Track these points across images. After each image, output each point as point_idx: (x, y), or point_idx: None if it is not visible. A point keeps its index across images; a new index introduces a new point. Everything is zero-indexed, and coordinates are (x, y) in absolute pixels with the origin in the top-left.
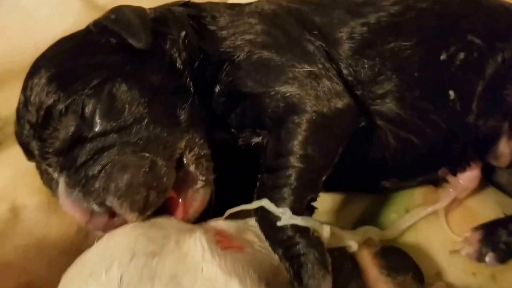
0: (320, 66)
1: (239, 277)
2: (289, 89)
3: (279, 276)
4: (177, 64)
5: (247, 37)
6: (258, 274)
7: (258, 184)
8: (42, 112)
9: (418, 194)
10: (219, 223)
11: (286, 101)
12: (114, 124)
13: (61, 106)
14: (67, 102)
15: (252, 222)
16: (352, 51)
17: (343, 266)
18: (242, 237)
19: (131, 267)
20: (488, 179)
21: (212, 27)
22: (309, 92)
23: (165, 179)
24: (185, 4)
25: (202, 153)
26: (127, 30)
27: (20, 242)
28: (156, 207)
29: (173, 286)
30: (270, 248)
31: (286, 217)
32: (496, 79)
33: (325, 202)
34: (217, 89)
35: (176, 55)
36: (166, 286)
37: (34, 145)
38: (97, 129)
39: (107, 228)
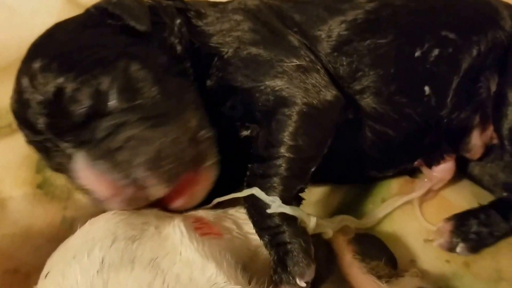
0: (307, 59)
1: (216, 260)
2: (278, 83)
3: (256, 261)
4: (177, 50)
5: (235, 34)
6: (235, 259)
7: (248, 173)
8: (52, 89)
9: (394, 185)
10: (199, 212)
11: (276, 94)
12: (130, 100)
13: (73, 83)
14: (80, 79)
15: (231, 211)
16: (330, 49)
17: (318, 251)
18: (221, 224)
19: (112, 251)
20: (462, 171)
21: (198, 23)
22: (298, 85)
23: (186, 151)
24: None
25: (210, 134)
26: (129, 13)
27: (8, 231)
28: (181, 177)
29: (153, 268)
30: (247, 235)
31: (275, 205)
32: (471, 73)
33: (305, 192)
34: (207, 83)
35: (177, 41)
36: (146, 268)
37: (43, 121)
38: (113, 105)
39: (131, 202)
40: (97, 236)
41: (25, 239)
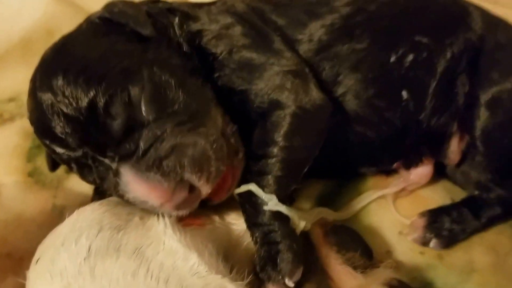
0: (296, 63)
1: (198, 250)
2: (272, 86)
3: (238, 250)
4: (184, 48)
5: (226, 36)
6: (217, 248)
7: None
8: (85, 105)
9: (370, 180)
10: None
11: (271, 97)
12: (161, 108)
13: (105, 97)
14: (111, 91)
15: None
16: (312, 53)
17: None
18: (203, 214)
19: (98, 239)
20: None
21: (189, 23)
22: (290, 88)
23: (223, 148)
24: (154, 2)
25: (234, 129)
26: (132, 19)
27: (0, 217)
28: (221, 176)
29: (137, 256)
30: (229, 225)
31: (272, 203)
32: (448, 76)
33: None
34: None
35: (181, 40)
36: (130, 256)
37: (79, 138)
38: (146, 115)
39: (185, 204)
40: (84, 225)
41: (18, 225)
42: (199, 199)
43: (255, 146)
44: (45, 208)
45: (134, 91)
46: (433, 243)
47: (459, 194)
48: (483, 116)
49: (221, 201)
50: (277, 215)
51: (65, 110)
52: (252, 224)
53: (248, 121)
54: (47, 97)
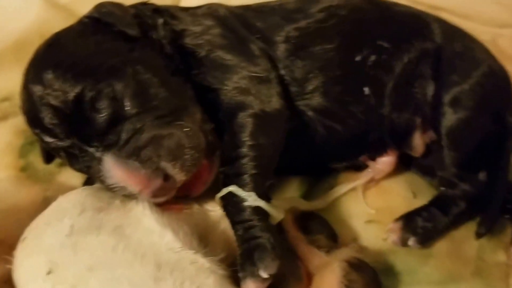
0: (264, 69)
1: (173, 229)
2: (239, 89)
3: (214, 234)
4: (167, 49)
5: (206, 37)
6: (192, 230)
7: (222, 176)
8: (71, 99)
9: (341, 175)
10: None
11: (237, 98)
12: (143, 103)
13: (92, 92)
14: (97, 87)
15: None
16: (287, 53)
17: None
18: (183, 201)
19: (81, 218)
20: (404, 163)
21: (174, 23)
22: (254, 92)
23: (201, 141)
24: (143, 4)
25: (211, 127)
26: (119, 20)
27: None
28: (198, 166)
29: (117, 234)
30: (207, 212)
31: (252, 199)
32: (404, 77)
33: None
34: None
35: (164, 41)
36: (111, 234)
37: (65, 129)
38: (129, 109)
39: (161, 192)
40: (67, 206)
41: (10, 214)
42: (175, 187)
43: (226, 150)
44: (37, 200)
45: (119, 87)
46: (411, 241)
47: (420, 187)
48: (447, 114)
49: (199, 194)
50: (256, 210)
51: (53, 102)
52: (235, 222)
53: (219, 120)
54: (37, 89)
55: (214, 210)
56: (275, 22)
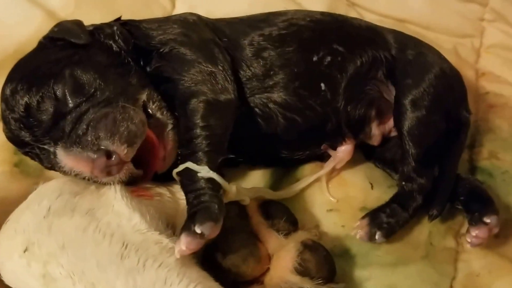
0: (220, 67)
1: (141, 213)
2: (194, 80)
3: (182, 219)
4: (114, 48)
5: (171, 36)
6: (160, 215)
7: (179, 157)
8: (22, 107)
9: (307, 167)
10: None
11: (191, 88)
12: (82, 96)
13: (37, 97)
14: (41, 92)
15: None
16: (251, 54)
17: (230, 211)
18: (155, 190)
19: (57, 201)
20: (367, 157)
21: (143, 28)
22: (207, 84)
23: (137, 115)
24: (117, 20)
25: (163, 105)
26: (68, 33)
27: None
28: (140, 139)
29: (89, 216)
30: (177, 200)
31: (204, 171)
32: (357, 77)
33: (236, 173)
34: (147, 69)
35: (111, 42)
36: (83, 216)
37: (24, 134)
38: (70, 104)
39: (113, 168)
40: (47, 191)
41: (2, 206)
42: (124, 162)
43: (182, 134)
44: (26, 193)
45: (58, 87)
46: (377, 235)
47: (377, 178)
48: (406, 114)
49: (163, 170)
50: (209, 181)
51: (12, 115)
52: (188, 191)
53: (173, 110)
54: (2, 106)
55: (185, 199)
56: (242, 29)
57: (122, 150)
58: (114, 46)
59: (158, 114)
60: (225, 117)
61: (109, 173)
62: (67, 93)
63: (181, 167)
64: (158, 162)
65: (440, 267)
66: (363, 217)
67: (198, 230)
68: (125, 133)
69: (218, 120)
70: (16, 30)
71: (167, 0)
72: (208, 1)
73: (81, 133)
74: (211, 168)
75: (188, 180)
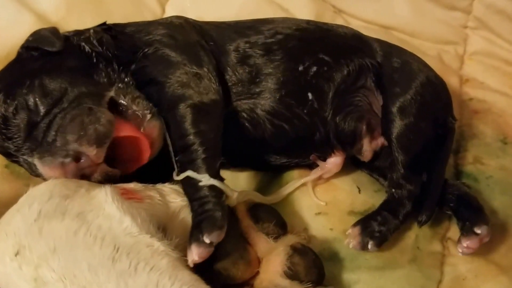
0: (205, 69)
1: (131, 216)
2: (180, 82)
3: (174, 222)
4: (86, 50)
5: (156, 37)
6: (150, 218)
7: (178, 164)
8: (1, 119)
9: (295, 172)
10: (129, 184)
11: (178, 91)
12: (50, 102)
13: (11, 108)
14: (14, 104)
15: (159, 185)
16: (236, 60)
17: None
18: (145, 193)
19: (48, 204)
20: (355, 164)
21: (128, 31)
22: (193, 86)
23: (104, 115)
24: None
25: (136, 95)
26: (41, 41)
27: None
28: (109, 138)
29: (80, 219)
30: (167, 203)
31: (206, 179)
32: (345, 86)
33: (226, 176)
34: (132, 67)
35: (83, 44)
36: (74, 219)
37: (7, 145)
38: (41, 112)
39: (81, 172)
40: (37, 194)
41: None
42: (97, 164)
43: (174, 140)
44: (18, 195)
45: (29, 97)
46: (370, 245)
47: (364, 183)
48: (395, 121)
49: (148, 159)
50: (211, 189)
51: None
52: (192, 200)
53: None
54: None
55: (175, 201)
56: (228, 35)
57: (91, 151)
58: (87, 48)
59: (134, 106)
60: (214, 119)
61: (83, 176)
62: (38, 102)
63: (182, 175)
64: (146, 152)
65: (427, 271)
66: (354, 225)
67: (207, 240)
68: (93, 134)
69: (208, 124)
70: (6, 34)
71: (157, 5)
72: (197, 6)
73: (50, 140)
74: (211, 175)
75: (191, 188)
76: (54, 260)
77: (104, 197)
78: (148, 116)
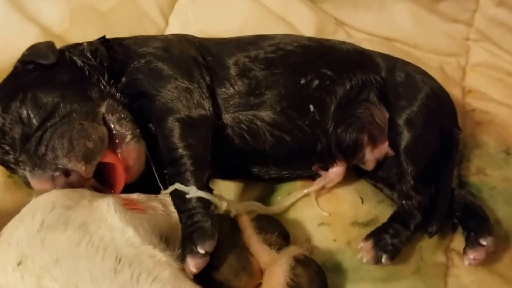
0: (195, 85)
1: (134, 226)
2: (170, 96)
3: (174, 232)
4: (79, 64)
5: (150, 50)
6: (153, 228)
7: (167, 177)
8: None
9: (298, 182)
10: (132, 195)
11: (167, 105)
12: (42, 116)
13: (7, 122)
14: (10, 117)
15: (161, 196)
16: (235, 73)
17: (223, 226)
18: (148, 204)
19: (51, 215)
20: (359, 174)
21: (125, 44)
22: (182, 100)
23: (96, 131)
24: (101, 38)
25: (122, 116)
26: (36, 55)
27: None
28: (99, 155)
29: (82, 230)
30: (170, 213)
31: (193, 191)
32: (347, 100)
33: (229, 187)
34: (122, 80)
35: (75, 57)
36: (76, 230)
37: (7, 158)
38: (34, 126)
39: (70, 186)
40: (40, 204)
41: None
42: (85, 179)
43: (163, 153)
44: (20, 205)
45: (22, 111)
46: (384, 258)
47: (367, 193)
48: (403, 134)
49: (131, 181)
50: (199, 200)
51: None
52: (180, 212)
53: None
54: None
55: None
56: (228, 49)
57: (80, 168)
58: (79, 62)
59: (117, 127)
60: (201, 133)
61: (76, 186)
62: (30, 115)
63: (170, 188)
64: (121, 177)
65: (430, 282)
66: (366, 239)
67: (201, 250)
68: (82, 150)
69: (196, 138)
70: (10, 47)
71: (160, 18)
72: (201, 19)
73: (41, 154)
74: (199, 187)
75: (179, 200)
76: (56, 271)
77: (107, 208)
78: (128, 138)
